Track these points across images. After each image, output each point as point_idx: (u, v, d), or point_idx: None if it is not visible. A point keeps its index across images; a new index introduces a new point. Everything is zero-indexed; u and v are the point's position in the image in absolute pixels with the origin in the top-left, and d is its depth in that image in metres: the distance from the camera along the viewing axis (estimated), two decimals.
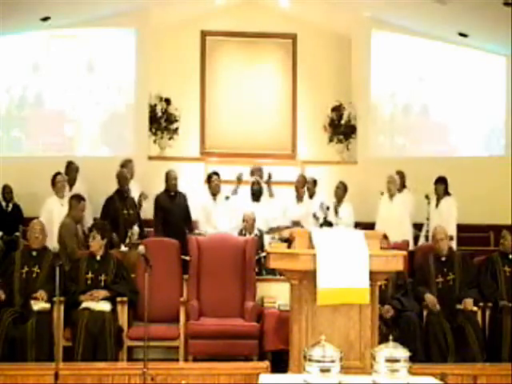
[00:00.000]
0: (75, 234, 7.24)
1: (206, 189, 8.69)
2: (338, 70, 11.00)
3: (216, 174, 8.60)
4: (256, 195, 8.64)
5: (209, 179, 8.60)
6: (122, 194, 8.20)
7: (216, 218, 8.46)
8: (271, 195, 9.02)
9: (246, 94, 10.99)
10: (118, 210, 8.03)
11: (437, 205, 8.64)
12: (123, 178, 8.25)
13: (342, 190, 8.95)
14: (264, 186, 8.90)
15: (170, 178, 8.27)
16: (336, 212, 8.79)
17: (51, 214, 7.89)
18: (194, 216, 8.48)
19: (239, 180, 9.07)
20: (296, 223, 8.24)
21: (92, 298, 6.20)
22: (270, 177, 9.25)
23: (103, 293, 6.26)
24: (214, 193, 8.51)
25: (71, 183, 8.81)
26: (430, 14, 9.62)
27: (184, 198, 8.36)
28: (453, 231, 8.46)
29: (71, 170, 8.88)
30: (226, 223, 8.32)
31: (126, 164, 8.75)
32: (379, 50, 10.98)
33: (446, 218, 8.45)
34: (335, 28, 11.06)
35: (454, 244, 8.33)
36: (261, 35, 11.04)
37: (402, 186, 9.09)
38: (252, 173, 9.16)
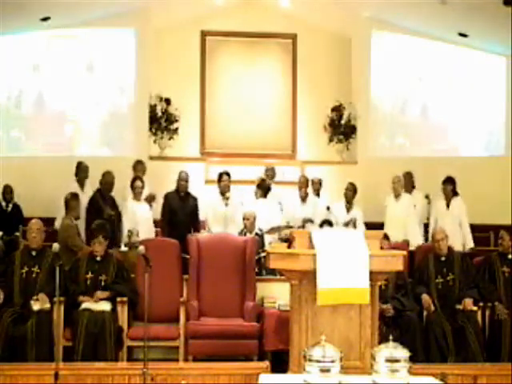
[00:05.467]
0: (77, 233, 7.28)
1: (215, 188, 8.66)
2: (338, 70, 11.00)
3: (227, 174, 8.57)
4: (264, 191, 8.65)
5: (219, 179, 8.58)
6: (103, 195, 8.23)
7: (225, 218, 8.47)
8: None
9: (246, 93, 10.99)
10: (103, 208, 8.06)
11: (447, 205, 8.57)
12: (108, 183, 8.28)
13: (351, 192, 8.84)
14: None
15: (179, 179, 8.29)
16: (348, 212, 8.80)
17: (135, 215, 8.11)
18: (202, 216, 8.47)
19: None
20: (306, 221, 8.23)
21: (94, 299, 6.21)
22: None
23: (105, 294, 6.26)
24: (223, 192, 8.51)
25: (82, 183, 8.80)
26: (430, 14, 9.63)
27: (194, 200, 8.35)
28: (471, 242, 8.42)
29: (81, 170, 8.86)
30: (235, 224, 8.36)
31: (137, 165, 8.75)
32: (379, 50, 10.98)
33: (459, 221, 8.42)
34: (335, 28, 11.07)
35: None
36: (261, 35, 11.04)
37: (411, 186, 9.06)
38: (266, 171, 9.19)
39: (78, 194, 7.81)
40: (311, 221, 8.17)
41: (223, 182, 8.47)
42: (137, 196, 8.26)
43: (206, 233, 8.04)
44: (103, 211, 7.96)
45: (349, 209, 8.79)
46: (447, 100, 11.15)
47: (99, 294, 6.25)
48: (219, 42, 11.10)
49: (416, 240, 8.40)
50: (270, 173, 9.28)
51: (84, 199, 8.21)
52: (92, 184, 8.80)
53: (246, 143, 10.83)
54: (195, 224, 8.25)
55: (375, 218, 8.82)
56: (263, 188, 8.72)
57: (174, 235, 7.57)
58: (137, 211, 8.18)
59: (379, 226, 8.51)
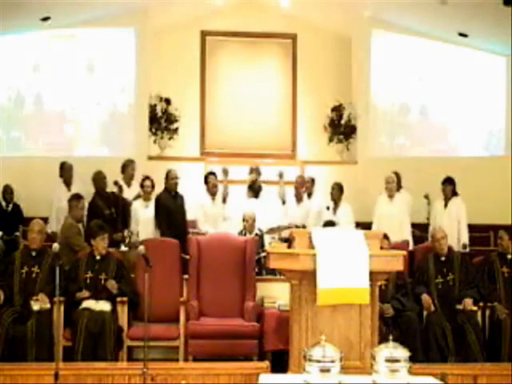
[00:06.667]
0: (79, 233, 7.26)
1: (204, 189, 8.67)
2: (338, 70, 11.00)
3: (213, 174, 8.62)
4: (255, 191, 8.65)
5: (206, 180, 8.59)
6: (101, 194, 8.26)
7: (215, 218, 8.48)
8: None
9: (246, 93, 10.99)
10: (102, 209, 8.08)
11: (445, 205, 8.60)
12: (100, 180, 8.31)
13: (337, 191, 8.88)
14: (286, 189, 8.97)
15: (169, 178, 8.25)
16: (334, 213, 8.81)
17: (138, 215, 8.15)
18: (193, 216, 8.48)
19: (225, 173, 9.05)
20: (297, 226, 8.25)
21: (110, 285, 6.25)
22: (281, 176, 9.30)
23: (115, 286, 6.28)
24: (212, 193, 8.51)
25: (68, 183, 8.82)
26: (430, 13, 9.62)
27: (182, 198, 8.36)
28: (465, 238, 8.49)
29: (65, 170, 8.90)
30: (226, 224, 8.36)
31: (128, 164, 8.76)
32: (379, 50, 10.98)
33: (457, 221, 8.47)
34: (335, 28, 11.07)
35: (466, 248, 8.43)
36: (261, 35, 11.04)
37: (399, 186, 9.09)
38: (251, 171, 9.20)
39: (80, 194, 7.76)
40: (304, 226, 8.20)
41: (210, 183, 8.48)
42: (145, 196, 8.24)
43: (197, 232, 8.06)
44: (103, 212, 7.98)
45: (336, 209, 8.80)
46: (447, 100, 11.14)
47: (112, 283, 6.28)
48: (219, 42, 11.10)
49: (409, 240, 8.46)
50: (256, 172, 9.25)
51: None
52: (90, 184, 8.81)
53: (246, 143, 10.83)
54: (184, 222, 8.26)
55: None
56: (254, 189, 8.70)
57: (170, 235, 7.56)
58: (141, 211, 8.16)
59: None
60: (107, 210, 8.08)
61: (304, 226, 8.26)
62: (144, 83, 10.53)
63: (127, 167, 8.73)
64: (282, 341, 6.03)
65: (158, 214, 8.07)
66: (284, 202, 8.95)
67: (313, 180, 9.27)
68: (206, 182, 8.57)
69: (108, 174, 8.50)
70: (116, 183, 8.35)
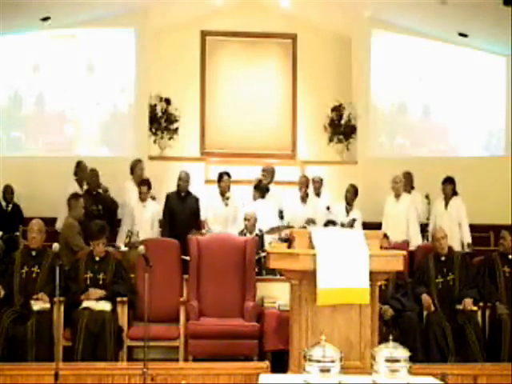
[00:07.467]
0: (79, 233, 7.26)
1: (215, 188, 8.63)
2: (338, 70, 11.00)
3: (227, 174, 8.53)
4: (261, 192, 8.64)
5: (219, 179, 8.55)
6: (92, 191, 8.35)
7: (225, 218, 8.47)
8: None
9: (246, 93, 10.99)
10: (90, 205, 8.10)
11: (446, 205, 8.59)
12: (93, 177, 8.42)
13: (352, 193, 8.81)
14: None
15: (179, 179, 8.29)
16: (348, 215, 8.79)
17: (135, 216, 8.18)
18: (202, 216, 8.49)
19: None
20: (309, 221, 8.22)
21: (87, 297, 6.21)
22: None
23: (99, 292, 6.26)
24: (223, 193, 8.48)
25: (81, 182, 8.82)
26: (430, 13, 9.63)
27: (195, 201, 8.35)
28: (468, 238, 8.47)
29: (81, 169, 8.87)
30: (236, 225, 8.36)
31: (136, 164, 8.77)
32: (379, 50, 10.98)
33: (457, 221, 8.46)
34: (335, 28, 11.07)
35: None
36: (261, 35, 11.05)
37: (411, 186, 9.07)
38: (263, 171, 9.18)
39: (78, 193, 7.81)
40: (313, 221, 8.17)
41: (223, 183, 8.44)
42: (141, 198, 8.25)
43: (204, 232, 8.05)
44: (90, 207, 8.04)
45: (349, 211, 8.77)
46: (447, 100, 11.15)
47: (92, 291, 6.25)
48: (219, 42, 11.10)
49: (417, 240, 8.41)
50: (268, 173, 9.22)
51: None
52: None
53: (246, 143, 10.83)
54: (196, 224, 8.24)
55: (375, 218, 8.81)
56: (260, 189, 8.69)
57: (174, 235, 7.57)
58: (137, 211, 8.18)
59: (379, 226, 8.52)
60: (94, 206, 8.12)
61: (314, 222, 8.23)
62: (144, 83, 10.53)
63: (135, 167, 8.74)
64: (282, 341, 6.03)
65: (163, 214, 8.26)
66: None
67: (321, 180, 9.26)
68: (220, 181, 8.53)
69: (108, 174, 8.51)
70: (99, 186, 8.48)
